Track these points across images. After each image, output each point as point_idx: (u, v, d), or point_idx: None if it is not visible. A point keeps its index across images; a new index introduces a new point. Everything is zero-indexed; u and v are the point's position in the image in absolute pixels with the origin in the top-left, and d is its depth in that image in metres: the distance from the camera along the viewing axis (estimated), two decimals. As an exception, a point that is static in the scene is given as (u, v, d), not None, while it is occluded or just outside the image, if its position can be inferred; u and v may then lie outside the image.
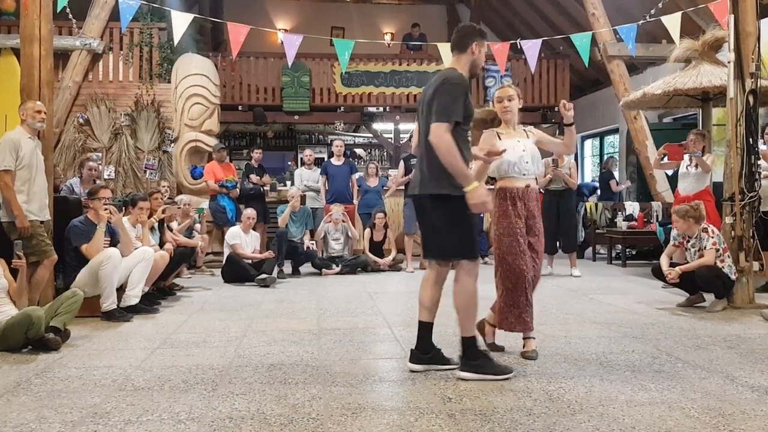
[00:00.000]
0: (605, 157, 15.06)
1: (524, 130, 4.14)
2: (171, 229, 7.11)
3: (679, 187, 7.12)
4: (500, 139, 4.03)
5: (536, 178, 4.14)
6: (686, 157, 6.97)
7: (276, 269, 7.86)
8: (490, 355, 3.62)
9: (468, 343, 3.55)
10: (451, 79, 3.46)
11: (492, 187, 4.02)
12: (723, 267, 5.56)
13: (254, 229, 8.29)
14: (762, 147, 6.39)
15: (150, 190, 7.60)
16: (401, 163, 9.07)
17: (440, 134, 3.35)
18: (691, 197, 6.71)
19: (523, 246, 3.96)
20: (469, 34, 3.62)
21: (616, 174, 12.01)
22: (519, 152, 3.98)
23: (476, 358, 3.52)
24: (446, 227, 3.47)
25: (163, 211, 6.65)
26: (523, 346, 4.03)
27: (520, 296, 3.94)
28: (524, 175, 3.98)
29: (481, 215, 9.81)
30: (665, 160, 7.29)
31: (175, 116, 10.32)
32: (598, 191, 11.99)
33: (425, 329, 3.69)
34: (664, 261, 5.85)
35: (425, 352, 3.68)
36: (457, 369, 3.54)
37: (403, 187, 9.03)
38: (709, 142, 7.30)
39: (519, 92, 4.15)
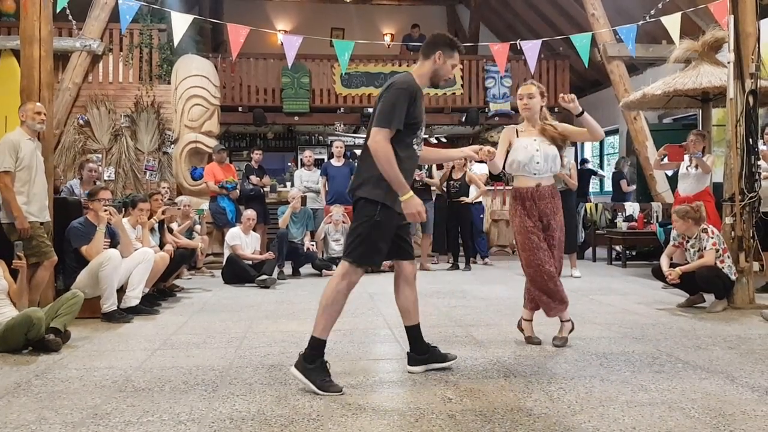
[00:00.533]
0: (605, 157, 15.09)
1: (548, 125, 4.23)
2: (171, 231, 7.11)
3: (679, 187, 7.12)
4: (518, 136, 4.25)
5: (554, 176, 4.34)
6: (686, 157, 6.97)
7: (276, 270, 7.86)
8: (328, 368, 3.35)
9: (314, 343, 3.37)
10: (396, 84, 3.36)
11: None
12: (723, 267, 5.56)
13: (254, 230, 8.29)
14: (762, 147, 6.39)
15: (150, 192, 7.61)
16: None
17: (378, 140, 3.27)
18: (691, 198, 6.71)
19: (536, 242, 4.16)
20: (436, 42, 3.52)
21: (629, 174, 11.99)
22: (531, 152, 4.14)
23: (312, 362, 3.32)
24: (365, 231, 3.36)
25: (163, 212, 6.65)
26: (559, 330, 4.33)
27: (546, 285, 4.16)
28: (535, 174, 4.15)
29: (481, 216, 9.83)
30: (665, 160, 7.29)
31: (175, 117, 10.32)
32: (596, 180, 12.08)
33: (413, 332, 3.70)
34: (664, 261, 5.85)
35: (421, 353, 3.68)
36: (294, 365, 3.36)
37: None
38: (709, 143, 7.31)
39: (542, 90, 4.24)
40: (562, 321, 4.31)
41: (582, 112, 4.03)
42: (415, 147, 3.48)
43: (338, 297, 3.44)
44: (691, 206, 5.82)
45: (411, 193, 3.33)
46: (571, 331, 4.32)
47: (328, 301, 3.43)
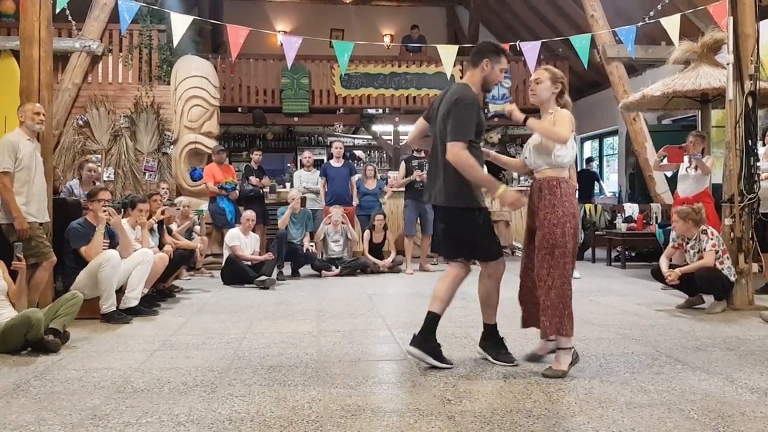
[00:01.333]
0: (605, 158, 15.10)
1: (549, 115, 3.85)
2: (170, 231, 7.10)
3: (679, 188, 7.13)
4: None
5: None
6: (686, 159, 6.98)
7: (275, 271, 7.86)
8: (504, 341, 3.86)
9: (489, 329, 3.86)
10: (464, 100, 3.62)
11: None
12: (722, 269, 5.56)
13: (254, 230, 8.28)
14: (761, 149, 6.40)
15: (149, 192, 7.60)
16: (402, 165, 9.06)
17: (457, 152, 3.54)
18: (690, 199, 6.71)
19: (527, 243, 3.92)
20: (482, 51, 3.78)
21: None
22: (528, 144, 3.88)
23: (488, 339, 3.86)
24: (470, 235, 3.70)
25: (162, 213, 6.65)
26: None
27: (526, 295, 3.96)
28: (534, 169, 3.83)
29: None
30: (665, 162, 7.30)
31: (175, 118, 10.32)
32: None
33: (433, 320, 3.76)
34: (663, 262, 5.85)
35: (427, 341, 3.75)
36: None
37: (403, 189, 9.03)
38: (709, 144, 7.31)
39: (556, 75, 3.87)
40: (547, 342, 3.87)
41: (526, 118, 3.79)
42: (481, 148, 3.76)
43: (493, 292, 3.80)
44: (693, 208, 5.82)
45: (503, 185, 3.61)
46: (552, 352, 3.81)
47: (483, 297, 3.83)
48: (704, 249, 5.61)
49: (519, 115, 3.82)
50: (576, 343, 4.29)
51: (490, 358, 3.84)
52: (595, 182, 13.57)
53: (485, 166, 3.83)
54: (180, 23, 6.61)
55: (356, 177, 9.56)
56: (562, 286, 3.60)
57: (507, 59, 3.85)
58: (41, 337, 4.16)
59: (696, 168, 6.85)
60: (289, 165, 14.63)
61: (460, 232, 3.72)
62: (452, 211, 3.71)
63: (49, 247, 5.25)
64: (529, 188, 3.91)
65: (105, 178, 10.18)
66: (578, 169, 12.71)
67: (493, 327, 3.88)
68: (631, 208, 10.02)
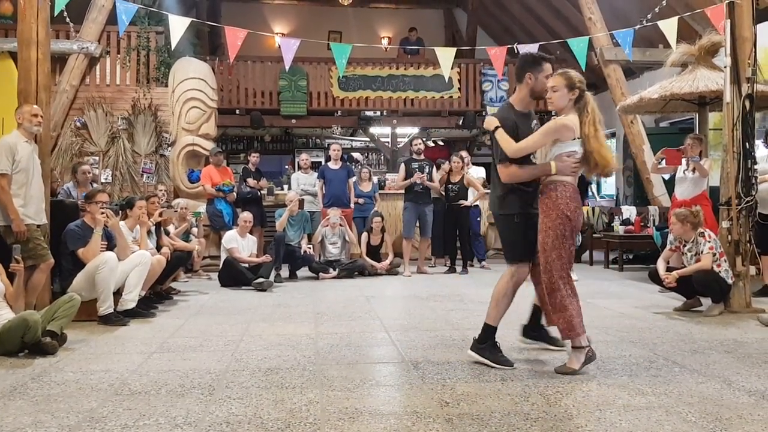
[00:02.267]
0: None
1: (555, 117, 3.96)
2: (168, 233, 7.09)
3: (676, 191, 7.13)
4: None
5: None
6: (683, 161, 6.99)
7: (273, 273, 7.85)
8: (498, 346, 3.92)
9: (486, 329, 3.92)
10: (500, 121, 3.86)
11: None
12: (720, 271, 5.56)
13: (251, 233, 8.28)
14: (764, 150, 6.40)
15: (147, 194, 7.59)
16: (402, 167, 9.06)
17: (505, 171, 3.82)
18: (688, 201, 6.72)
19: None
20: (523, 66, 4.01)
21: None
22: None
23: (484, 342, 3.91)
24: (504, 237, 4.05)
25: (160, 215, 6.64)
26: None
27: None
28: None
29: (478, 219, 9.82)
30: (663, 164, 7.30)
31: (173, 120, 10.31)
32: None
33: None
34: (660, 265, 5.86)
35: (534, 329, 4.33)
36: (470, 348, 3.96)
37: (403, 191, 9.03)
38: (706, 147, 7.32)
39: (572, 80, 3.77)
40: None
41: (495, 129, 3.82)
42: (531, 158, 3.90)
43: (507, 293, 3.93)
44: (691, 210, 5.82)
45: (553, 162, 3.72)
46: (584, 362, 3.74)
47: (496, 296, 3.95)
48: (702, 252, 5.61)
49: (488, 126, 3.92)
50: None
51: (488, 362, 3.84)
52: (588, 187, 13.55)
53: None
54: (178, 25, 6.60)
55: (354, 179, 9.57)
56: (565, 288, 3.68)
57: (549, 63, 3.98)
58: (38, 339, 4.15)
59: (693, 171, 6.86)
60: (286, 167, 14.64)
61: (500, 235, 4.09)
62: (495, 217, 4.09)
63: (47, 249, 5.24)
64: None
65: (102, 180, 10.15)
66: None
67: (494, 330, 3.91)
68: (629, 211, 10.03)
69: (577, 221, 3.75)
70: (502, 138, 3.78)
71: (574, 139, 3.72)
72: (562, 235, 3.67)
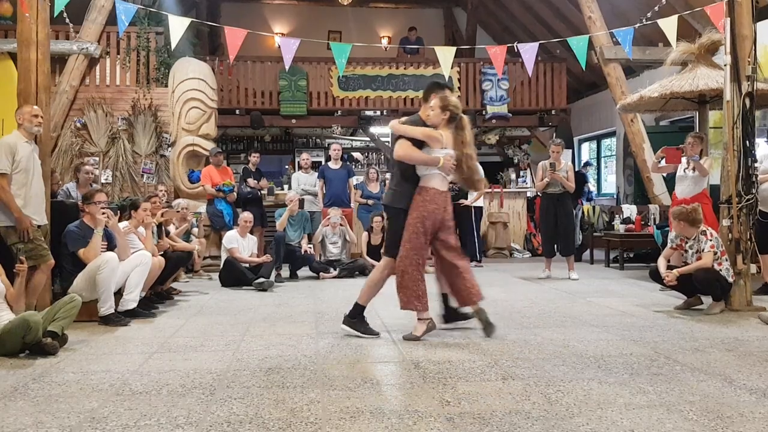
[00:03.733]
0: (602, 159, 15.11)
1: None
2: (168, 233, 7.10)
3: (677, 190, 7.13)
4: None
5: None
6: (684, 160, 6.98)
7: (274, 273, 7.85)
8: (366, 320, 4.77)
9: (357, 306, 4.75)
10: (410, 123, 4.69)
11: None
12: (720, 270, 5.56)
13: (252, 232, 8.28)
14: (766, 148, 6.39)
15: (148, 194, 7.59)
16: None
17: (403, 146, 4.57)
18: (688, 200, 6.72)
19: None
20: (429, 88, 4.72)
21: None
22: None
23: (354, 317, 4.74)
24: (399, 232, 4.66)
25: (162, 215, 6.64)
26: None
27: None
28: None
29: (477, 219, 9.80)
30: (662, 163, 7.30)
31: (173, 120, 10.30)
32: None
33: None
34: (661, 263, 5.85)
35: (449, 315, 4.97)
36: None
37: None
38: (706, 145, 7.32)
39: (446, 102, 4.58)
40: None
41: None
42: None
43: (379, 281, 4.75)
44: (686, 208, 5.82)
45: (441, 157, 4.48)
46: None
47: (370, 282, 4.77)
48: (703, 250, 5.61)
49: (393, 125, 4.69)
50: (575, 345, 4.31)
51: (358, 333, 4.66)
52: (584, 185, 13.55)
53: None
54: (177, 25, 6.59)
55: (355, 180, 9.56)
56: (413, 272, 4.50)
57: (449, 89, 4.81)
58: (39, 339, 4.15)
59: (694, 169, 6.86)
60: (286, 167, 14.63)
61: (388, 227, 4.89)
62: (386, 209, 4.86)
63: (47, 250, 5.24)
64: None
65: (102, 181, 10.16)
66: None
67: (363, 308, 4.75)
68: (629, 210, 10.03)
69: (435, 221, 4.52)
70: (404, 126, 4.62)
71: (442, 148, 4.51)
72: (417, 231, 4.49)
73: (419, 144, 4.54)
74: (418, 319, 4.60)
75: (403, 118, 4.78)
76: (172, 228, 7.48)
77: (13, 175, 4.99)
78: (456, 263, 4.65)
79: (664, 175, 9.63)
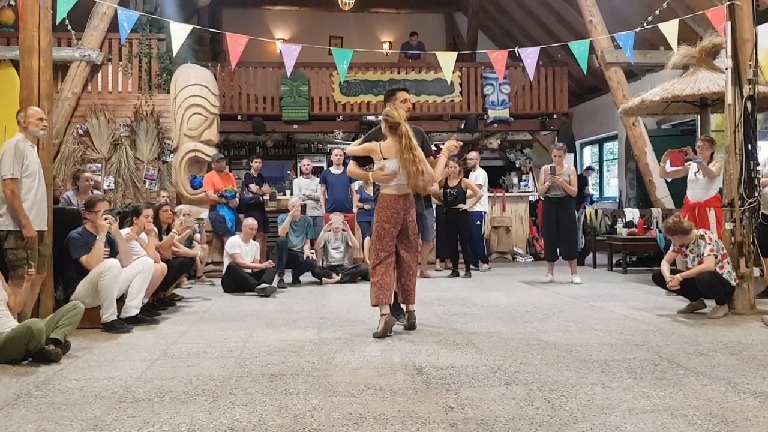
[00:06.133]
0: (604, 163, 15.10)
1: None
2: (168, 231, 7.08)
3: (688, 193, 7.07)
4: None
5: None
6: (694, 164, 6.95)
7: (276, 279, 7.85)
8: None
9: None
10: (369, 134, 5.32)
11: None
12: (723, 273, 5.55)
13: (254, 238, 8.28)
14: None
15: (158, 203, 7.59)
16: None
17: (350, 165, 5.43)
18: (702, 204, 6.71)
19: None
20: (385, 96, 5.40)
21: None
22: None
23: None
24: None
25: (181, 223, 6.74)
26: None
27: None
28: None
29: (478, 222, 9.79)
30: (668, 166, 7.26)
31: (175, 126, 10.32)
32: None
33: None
34: (664, 267, 5.84)
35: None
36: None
37: None
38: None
39: (385, 114, 4.98)
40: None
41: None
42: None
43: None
44: (669, 221, 5.84)
45: (370, 173, 5.06)
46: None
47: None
48: (703, 254, 5.60)
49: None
50: (578, 349, 4.30)
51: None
52: (584, 188, 13.53)
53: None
54: (179, 32, 6.61)
55: (357, 184, 9.56)
56: (380, 272, 4.97)
57: (403, 92, 5.37)
58: (42, 347, 4.16)
59: (704, 173, 6.82)
60: (288, 172, 14.64)
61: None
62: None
63: (44, 258, 5.23)
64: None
65: (105, 187, 10.18)
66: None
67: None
68: (632, 213, 10.01)
69: (395, 224, 4.95)
70: (349, 148, 5.40)
71: (382, 159, 4.93)
72: (380, 234, 4.98)
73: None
74: (382, 314, 4.93)
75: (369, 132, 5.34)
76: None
77: (22, 179, 4.96)
78: (411, 265, 5.11)
79: (668, 180, 9.63)
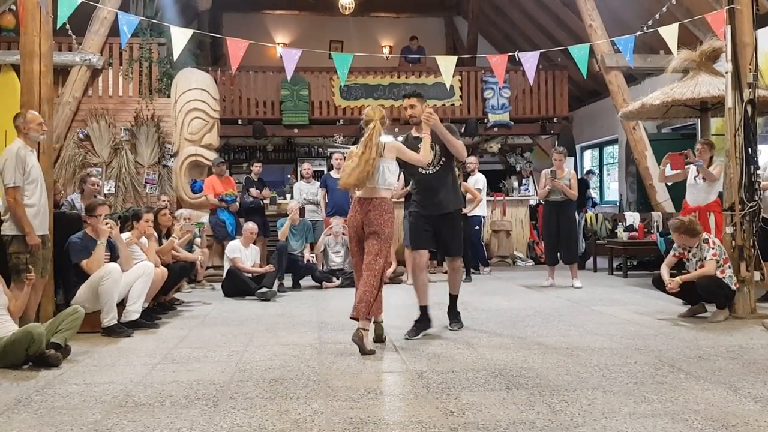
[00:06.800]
0: (605, 167, 15.10)
1: None
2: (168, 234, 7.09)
3: (687, 198, 7.04)
4: None
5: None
6: (694, 168, 6.94)
7: (276, 283, 7.85)
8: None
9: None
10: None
11: None
12: (724, 277, 5.55)
13: (254, 242, 8.28)
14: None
15: (157, 207, 7.59)
16: (401, 176, 9.04)
17: None
18: (702, 208, 6.70)
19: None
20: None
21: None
22: None
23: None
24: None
25: (181, 228, 6.72)
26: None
27: None
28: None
29: (477, 227, 9.77)
30: (668, 170, 7.25)
31: (175, 131, 10.33)
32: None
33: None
34: (664, 271, 5.83)
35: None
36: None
37: (402, 200, 9.01)
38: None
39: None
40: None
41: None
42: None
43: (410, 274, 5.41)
44: (684, 220, 5.81)
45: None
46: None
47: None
48: (705, 258, 5.60)
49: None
50: (579, 353, 4.29)
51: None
52: (585, 191, 13.53)
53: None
54: (180, 36, 6.61)
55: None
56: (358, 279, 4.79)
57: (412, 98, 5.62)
58: (43, 351, 4.16)
59: (704, 177, 6.81)
60: (289, 176, 14.64)
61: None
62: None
63: (47, 261, 5.23)
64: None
65: (105, 191, 10.19)
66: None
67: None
68: (632, 217, 10.01)
69: (355, 227, 4.90)
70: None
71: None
72: (351, 239, 5.02)
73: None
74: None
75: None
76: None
77: (25, 186, 4.96)
78: (364, 272, 4.66)
79: (668, 184, 9.62)
